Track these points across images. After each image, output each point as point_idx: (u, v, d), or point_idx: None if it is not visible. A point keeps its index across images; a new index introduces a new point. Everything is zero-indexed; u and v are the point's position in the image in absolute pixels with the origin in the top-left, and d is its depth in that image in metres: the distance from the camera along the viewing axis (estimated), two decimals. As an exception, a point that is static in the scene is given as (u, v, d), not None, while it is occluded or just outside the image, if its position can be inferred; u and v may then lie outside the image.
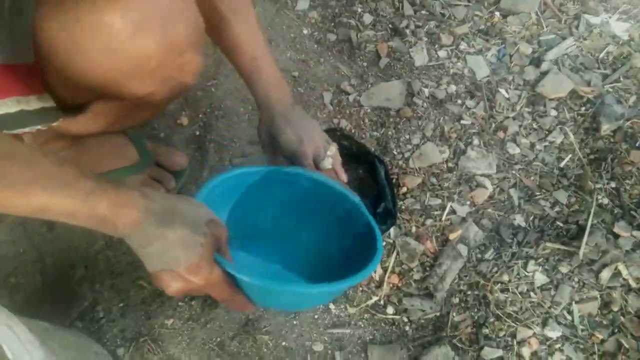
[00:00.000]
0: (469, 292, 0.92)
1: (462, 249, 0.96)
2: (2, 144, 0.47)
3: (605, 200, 1.00)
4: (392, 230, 0.97)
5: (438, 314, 0.91)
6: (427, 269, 0.95)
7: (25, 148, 0.48)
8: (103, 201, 0.49)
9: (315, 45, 1.22)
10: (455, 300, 0.92)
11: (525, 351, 0.86)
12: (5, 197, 0.45)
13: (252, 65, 0.73)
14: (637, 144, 1.05)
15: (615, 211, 0.99)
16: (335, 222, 0.74)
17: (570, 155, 1.07)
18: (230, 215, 0.73)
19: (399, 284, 0.94)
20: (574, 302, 0.90)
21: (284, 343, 0.88)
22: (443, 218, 1.00)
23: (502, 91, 1.15)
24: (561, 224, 0.99)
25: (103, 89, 0.53)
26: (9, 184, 0.45)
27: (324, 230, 0.75)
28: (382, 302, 0.92)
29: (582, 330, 0.88)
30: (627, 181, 1.02)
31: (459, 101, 1.13)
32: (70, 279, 0.92)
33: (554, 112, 1.11)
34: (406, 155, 1.06)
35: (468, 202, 1.02)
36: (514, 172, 1.05)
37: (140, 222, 0.51)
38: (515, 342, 0.86)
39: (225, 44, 0.74)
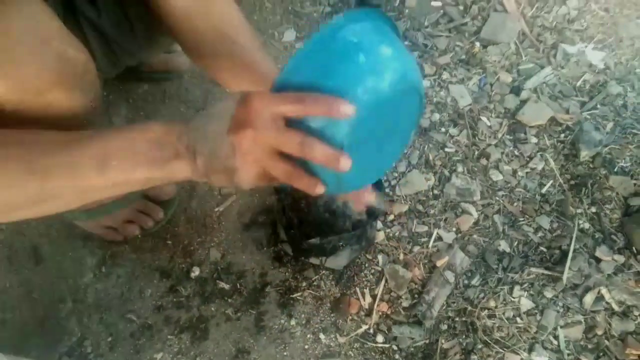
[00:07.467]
0: (457, 319, 0.93)
1: (449, 276, 0.97)
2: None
3: (587, 225, 1.03)
4: (380, 258, 0.99)
5: (427, 341, 0.92)
6: (416, 296, 0.96)
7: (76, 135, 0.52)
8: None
9: (302, 76, 1.24)
10: (444, 327, 0.93)
11: (514, 377, 0.87)
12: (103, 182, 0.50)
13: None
14: (615, 170, 1.08)
15: (597, 236, 1.01)
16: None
17: (551, 181, 1.10)
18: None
19: (388, 312, 0.95)
20: (559, 327, 0.91)
21: (274, 374, 0.88)
22: (430, 245, 1.01)
23: (484, 119, 1.18)
24: (544, 249, 1.01)
25: None
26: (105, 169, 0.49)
27: None
28: (371, 331, 0.93)
29: (568, 354, 0.89)
30: (607, 206, 1.05)
31: (443, 129, 1.16)
32: (58, 313, 0.92)
33: (534, 139, 1.15)
34: (392, 182, 1.08)
35: (454, 229, 1.03)
36: (497, 198, 1.07)
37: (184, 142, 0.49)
38: (503, 369, 0.87)
39: (240, 67, 0.70)
